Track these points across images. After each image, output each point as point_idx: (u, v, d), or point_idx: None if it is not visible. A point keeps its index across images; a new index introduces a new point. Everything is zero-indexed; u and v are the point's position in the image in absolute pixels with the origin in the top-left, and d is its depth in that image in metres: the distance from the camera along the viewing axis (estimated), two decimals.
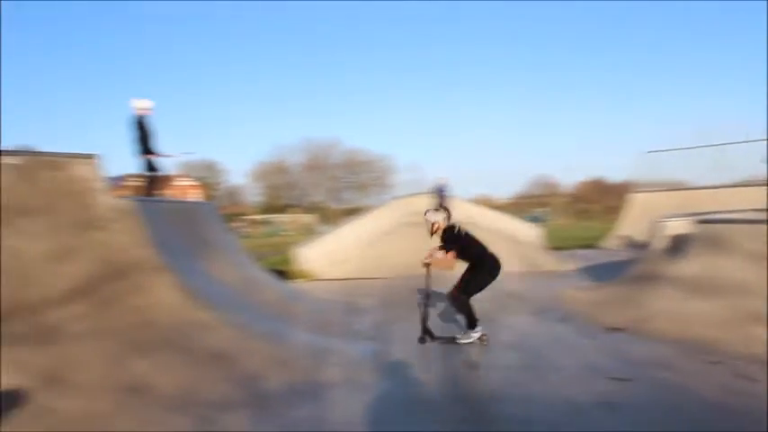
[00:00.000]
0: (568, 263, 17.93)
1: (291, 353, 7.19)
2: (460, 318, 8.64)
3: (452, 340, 8.37)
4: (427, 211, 8.82)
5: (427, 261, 8.51)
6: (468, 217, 21.24)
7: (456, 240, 8.33)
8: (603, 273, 14.37)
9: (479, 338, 8.25)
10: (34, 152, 7.72)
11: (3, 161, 6.96)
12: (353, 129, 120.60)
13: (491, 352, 7.83)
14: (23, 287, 6.43)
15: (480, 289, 8.23)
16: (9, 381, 5.36)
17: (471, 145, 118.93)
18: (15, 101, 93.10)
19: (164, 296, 6.98)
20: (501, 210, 30.46)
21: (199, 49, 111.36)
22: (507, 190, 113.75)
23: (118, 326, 6.41)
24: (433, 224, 8.53)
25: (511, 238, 19.08)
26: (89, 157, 7.56)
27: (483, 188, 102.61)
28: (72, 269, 6.80)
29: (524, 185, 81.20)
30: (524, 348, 7.96)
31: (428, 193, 22.62)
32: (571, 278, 15.05)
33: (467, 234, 8.51)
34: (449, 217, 8.67)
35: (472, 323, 8.25)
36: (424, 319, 8.60)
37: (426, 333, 8.50)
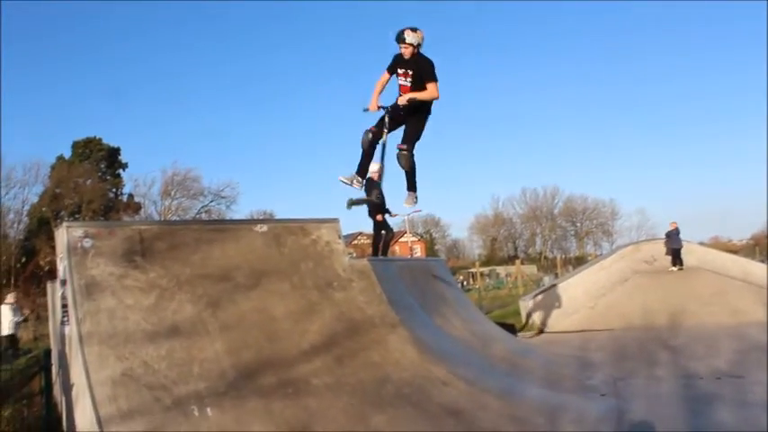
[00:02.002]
0: None
1: (525, 409, 7.07)
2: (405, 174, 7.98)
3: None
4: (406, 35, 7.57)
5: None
6: (698, 260, 19.86)
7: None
8: None
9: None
10: (281, 219, 8.45)
11: (255, 229, 7.73)
12: (573, 175, 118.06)
13: (744, 412, 7.10)
14: (272, 343, 6.99)
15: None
16: (262, 430, 5.80)
17: (699, 185, 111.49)
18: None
19: (399, 352, 7.23)
20: (738, 251, 28.05)
21: None
22: (743, 230, 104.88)
23: (356, 380, 6.74)
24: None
25: (752, 284, 17.46)
26: (332, 221, 8.17)
27: (716, 230, 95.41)
28: (314, 326, 7.31)
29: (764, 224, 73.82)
30: None
31: (659, 239, 21.45)
32: None
33: None
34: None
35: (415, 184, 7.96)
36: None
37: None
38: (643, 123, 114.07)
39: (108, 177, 62.43)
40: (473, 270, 60.01)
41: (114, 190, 63.68)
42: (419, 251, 70.39)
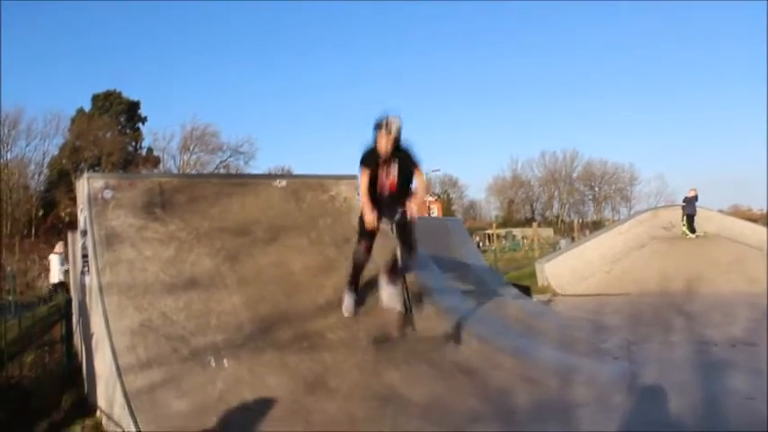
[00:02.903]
0: None
1: (538, 370, 7.11)
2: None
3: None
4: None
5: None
6: (717, 228, 19.69)
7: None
8: None
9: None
10: (300, 175, 8.48)
11: (274, 184, 7.76)
12: (593, 138, 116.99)
13: (757, 380, 7.04)
14: (289, 297, 7.06)
15: None
16: (278, 382, 5.89)
17: (720, 152, 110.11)
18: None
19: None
20: (758, 221, 27.78)
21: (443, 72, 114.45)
22: (763, 199, 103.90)
23: (371, 336, 6.80)
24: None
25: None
26: (351, 177, 8.18)
27: (737, 198, 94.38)
28: (331, 282, 7.37)
29: None
30: None
31: (678, 205, 21.26)
32: None
33: None
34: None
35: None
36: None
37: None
38: (665, 89, 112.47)
39: (127, 131, 62.82)
40: (489, 231, 60.05)
41: (134, 143, 64.11)
42: (436, 211, 70.35)
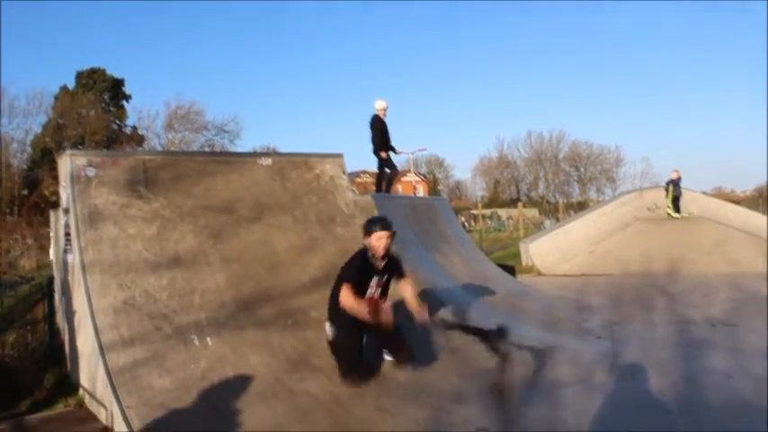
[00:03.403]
0: None
1: (522, 349, 7.15)
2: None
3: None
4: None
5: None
6: (701, 210, 19.85)
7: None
8: None
9: None
10: (285, 153, 8.45)
11: (259, 162, 7.72)
12: (580, 120, 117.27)
13: (740, 359, 7.17)
14: (273, 276, 7.05)
15: None
16: (261, 361, 5.90)
17: (704, 135, 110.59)
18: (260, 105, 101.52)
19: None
20: (741, 203, 27.98)
21: (427, 50, 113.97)
22: (746, 182, 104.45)
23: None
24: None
25: (752, 235, 17.49)
26: (336, 156, 8.15)
27: (720, 180, 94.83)
28: (315, 260, 7.36)
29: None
30: None
31: (662, 186, 21.37)
32: None
33: None
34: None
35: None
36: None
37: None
38: (649, 71, 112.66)
39: (111, 109, 62.06)
40: (475, 212, 60.09)
41: (118, 122, 63.36)
42: (422, 191, 70.44)
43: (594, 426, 5.17)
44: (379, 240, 5.65)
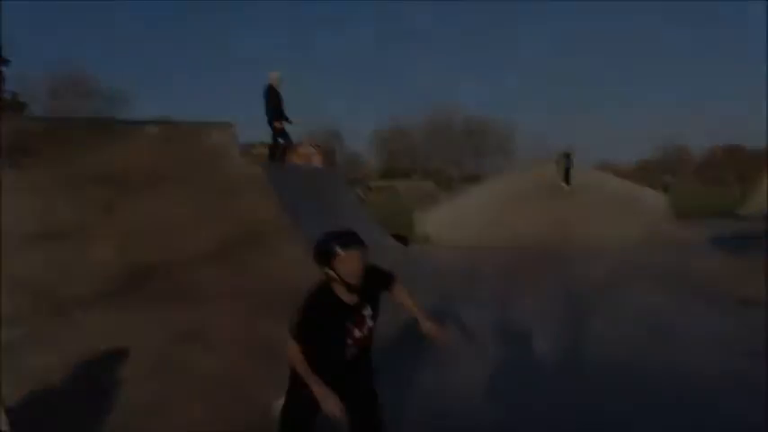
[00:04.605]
0: (698, 232, 16.93)
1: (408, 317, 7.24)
2: None
3: None
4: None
5: None
6: (590, 183, 20.65)
7: None
8: (738, 243, 13.62)
9: None
10: (172, 121, 8.18)
11: (144, 131, 7.45)
12: (474, 93, 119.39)
13: (617, 324, 7.56)
14: (163, 249, 6.84)
15: None
16: (150, 335, 5.73)
17: (594, 108, 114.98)
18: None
19: (293, 259, 7.22)
20: (625, 176, 29.29)
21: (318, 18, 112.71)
22: (631, 155, 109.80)
23: (250, 287, 6.70)
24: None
25: (634, 207, 18.39)
26: (226, 125, 7.95)
27: (605, 153, 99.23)
28: (208, 233, 7.18)
29: (650, 150, 77.90)
30: (651, 321, 7.63)
31: (553, 160, 22.08)
32: (701, 249, 14.16)
33: None
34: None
35: None
36: None
37: None
38: (546, 38, 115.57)
39: None
40: (370, 183, 60.39)
41: None
42: (317, 162, 70.08)
43: (481, 392, 5.34)
44: (348, 264, 3.32)
